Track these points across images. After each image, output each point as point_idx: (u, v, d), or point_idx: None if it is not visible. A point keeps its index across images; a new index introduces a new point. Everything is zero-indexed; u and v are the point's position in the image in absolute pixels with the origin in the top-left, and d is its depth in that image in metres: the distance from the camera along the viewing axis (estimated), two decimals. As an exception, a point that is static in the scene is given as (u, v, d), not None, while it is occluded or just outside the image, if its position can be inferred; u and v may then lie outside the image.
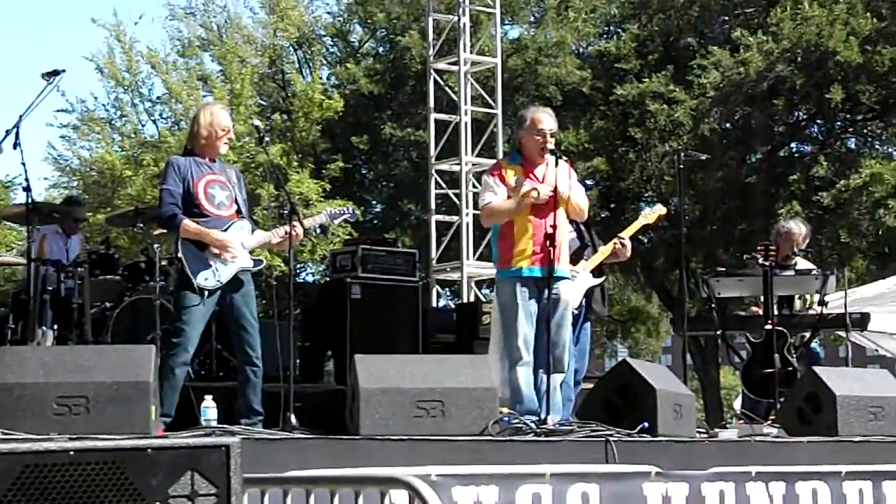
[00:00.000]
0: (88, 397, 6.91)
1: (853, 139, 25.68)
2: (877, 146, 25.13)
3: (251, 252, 8.89)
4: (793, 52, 22.62)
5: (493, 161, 17.48)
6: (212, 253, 8.64)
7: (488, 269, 17.35)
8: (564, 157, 9.10)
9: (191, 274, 8.58)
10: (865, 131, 25.29)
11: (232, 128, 9.05)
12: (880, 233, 22.92)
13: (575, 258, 9.46)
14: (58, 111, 28.18)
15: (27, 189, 9.62)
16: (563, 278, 8.94)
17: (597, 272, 9.86)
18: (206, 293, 8.60)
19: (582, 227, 9.79)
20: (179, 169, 8.75)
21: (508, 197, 8.93)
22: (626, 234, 10.13)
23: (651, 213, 10.66)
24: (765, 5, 24.22)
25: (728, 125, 24.16)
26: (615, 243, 9.99)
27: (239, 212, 8.91)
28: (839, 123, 25.09)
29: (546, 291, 8.66)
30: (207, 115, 8.95)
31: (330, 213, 9.71)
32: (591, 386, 9.76)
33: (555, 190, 8.73)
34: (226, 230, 8.75)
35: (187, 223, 8.63)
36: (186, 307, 8.58)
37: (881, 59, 22.16)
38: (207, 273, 8.61)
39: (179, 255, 8.65)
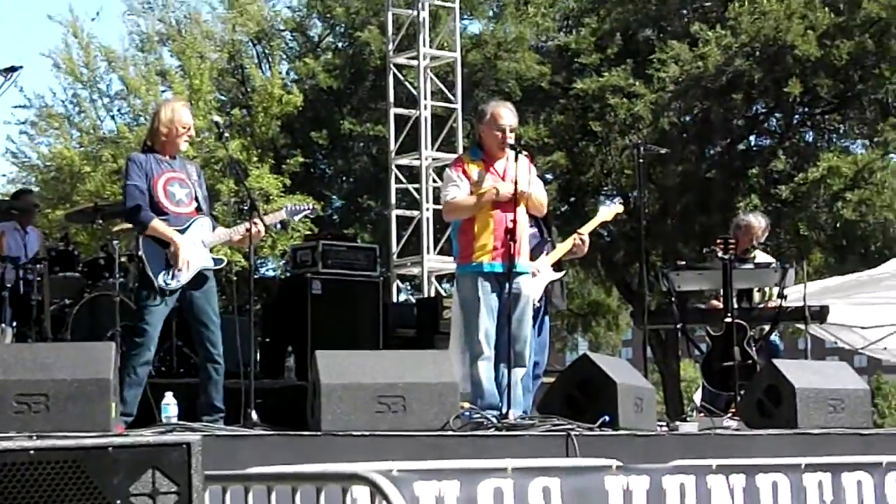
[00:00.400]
0: (48, 395, 6.87)
1: (811, 133, 25.80)
2: (834, 139, 25.26)
3: (211, 250, 8.87)
4: (751, 46, 22.72)
5: (454, 155, 17.58)
6: (171, 252, 8.60)
7: (449, 264, 17.34)
8: (524, 152, 9.11)
9: (151, 273, 8.56)
10: (823, 125, 25.40)
11: (192, 125, 9.02)
12: (838, 226, 23.07)
13: (535, 254, 9.47)
14: (15, 107, 28.07)
15: (-16, 186, 9.57)
16: (524, 273, 8.95)
17: (556, 267, 9.89)
18: (167, 293, 8.59)
19: (541, 223, 9.80)
20: (141, 165, 8.71)
21: (471, 192, 8.94)
22: (585, 230, 10.15)
23: (609, 210, 10.68)
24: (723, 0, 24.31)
25: (687, 119, 24.24)
26: (574, 239, 10.02)
27: (199, 209, 8.88)
28: (797, 117, 25.22)
29: (507, 286, 8.67)
30: (168, 111, 8.90)
31: (290, 210, 9.70)
32: (552, 380, 9.76)
33: (515, 185, 8.74)
34: (186, 228, 8.72)
35: (156, 222, 8.60)
36: (147, 306, 8.57)
37: (839, 53, 22.28)
38: (169, 272, 8.59)
39: (140, 253, 8.63)
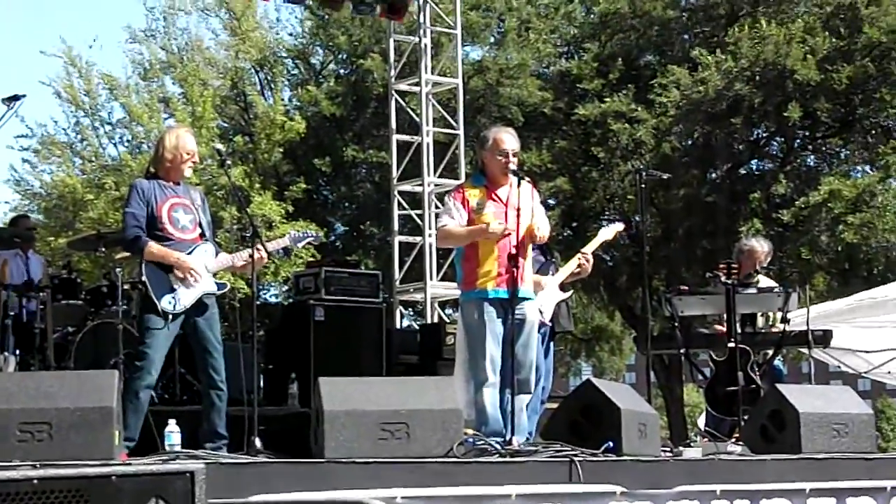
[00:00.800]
0: (51, 423, 6.85)
1: (812, 157, 25.82)
2: (835, 163, 25.27)
3: (215, 275, 8.87)
4: (751, 70, 22.76)
5: (456, 182, 17.60)
6: (176, 276, 8.62)
7: (452, 290, 17.33)
8: (527, 178, 9.12)
9: (154, 297, 8.56)
10: (824, 149, 25.43)
11: (196, 151, 9.03)
12: (840, 249, 23.05)
13: (540, 274, 9.54)
14: (18, 137, 28.14)
15: (-13, 214, 9.57)
16: (528, 299, 8.96)
17: (561, 288, 9.96)
18: (170, 317, 8.58)
19: (543, 246, 9.83)
20: (143, 192, 8.73)
21: (469, 221, 8.92)
22: (588, 249, 10.23)
23: (610, 230, 10.73)
24: (724, 24, 24.36)
25: (689, 143, 24.26)
26: (579, 259, 10.07)
27: (203, 235, 8.89)
28: (798, 141, 25.23)
29: (510, 312, 8.67)
30: (172, 138, 8.94)
31: (293, 237, 9.68)
32: (555, 406, 9.75)
33: (517, 210, 8.75)
34: (189, 254, 8.73)
35: (151, 245, 8.61)
36: (150, 330, 8.56)
37: (839, 78, 22.33)
38: (171, 297, 8.60)
39: (143, 278, 8.63)
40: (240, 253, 9.17)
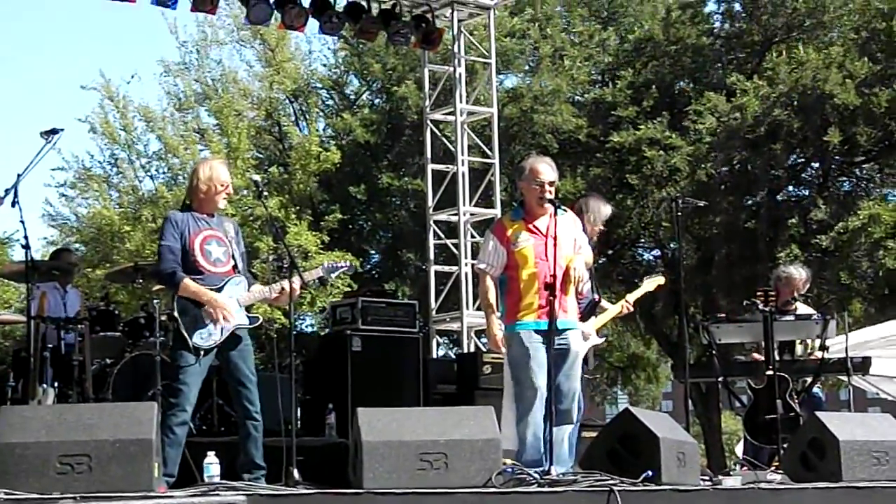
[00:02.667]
0: (91, 455, 6.86)
1: (849, 182, 25.70)
2: (872, 188, 25.15)
3: (248, 309, 8.91)
4: (789, 96, 22.71)
5: (491, 211, 17.63)
6: (208, 312, 8.68)
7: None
8: (564, 209, 9.15)
9: (186, 333, 8.64)
10: (862, 173, 25.33)
11: (230, 182, 9.08)
12: (880, 274, 22.91)
13: (586, 316, 9.58)
14: (54, 169, 28.32)
15: (26, 247, 9.61)
16: (572, 329, 8.98)
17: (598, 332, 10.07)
18: (202, 352, 8.66)
19: (592, 280, 9.89)
20: (177, 224, 8.79)
21: (509, 255, 8.98)
22: (632, 298, 10.43)
23: (652, 281, 10.78)
24: (759, 51, 24.33)
25: (725, 170, 24.19)
26: (623, 307, 10.24)
27: (235, 267, 8.94)
28: (836, 166, 25.12)
29: (552, 341, 8.69)
30: (206, 169, 8.98)
31: (327, 267, 9.69)
32: (593, 435, 9.73)
33: (555, 240, 8.76)
34: (221, 288, 8.79)
35: (187, 282, 8.68)
36: (182, 367, 8.63)
37: (878, 101, 22.24)
38: (203, 332, 8.68)
39: (175, 313, 8.69)
40: (273, 285, 9.18)
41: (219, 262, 8.86)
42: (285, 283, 8.97)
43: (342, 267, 9.88)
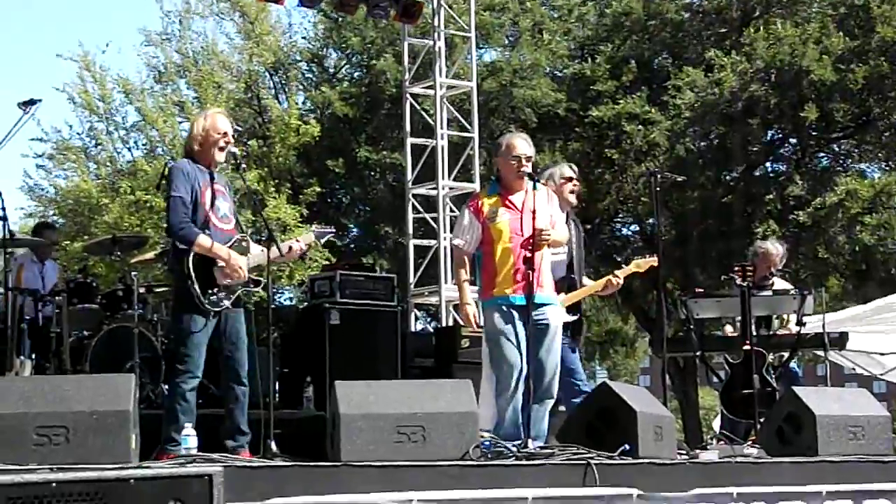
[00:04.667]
0: (68, 427, 6.85)
1: (826, 157, 25.76)
2: (850, 164, 25.22)
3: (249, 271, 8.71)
4: (766, 71, 22.73)
5: (470, 185, 17.63)
6: (224, 271, 8.46)
7: (466, 293, 17.33)
8: (542, 181, 9.15)
9: (199, 293, 8.35)
10: (839, 149, 25.38)
11: (230, 132, 8.74)
12: (857, 249, 22.98)
13: (558, 288, 9.50)
14: (32, 140, 28.20)
15: (3, 219, 9.58)
16: (550, 304, 8.98)
17: (576, 306, 9.94)
18: (211, 314, 8.43)
19: (575, 259, 9.88)
20: (188, 175, 8.46)
21: (484, 230, 8.96)
22: (622, 274, 10.24)
23: (644, 262, 10.65)
24: (738, 26, 24.33)
25: (703, 145, 24.22)
26: (610, 279, 10.11)
27: (238, 225, 8.79)
28: (813, 142, 25.17)
29: (531, 316, 8.69)
30: (204, 119, 8.72)
31: (317, 232, 9.70)
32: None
33: (532, 213, 8.76)
34: (230, 245, 8.58)
35: (202, 238, 8.39)
36: (192, 332, 8.36)
37: (854, 77, 22.26)
38: (215, 294, 8.44)
39: (187, 271, 8.36)
40: (271, 249, 8.70)
41: (226, 218, 8.61)
42: (284, 245, 8.84)
43: (328, 232, 9.92)
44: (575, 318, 9.86)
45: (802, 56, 22.28)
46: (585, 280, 10.28)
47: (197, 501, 4.70)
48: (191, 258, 8.38)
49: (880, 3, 22.57)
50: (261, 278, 8.85)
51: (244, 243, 8.71)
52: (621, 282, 10.31)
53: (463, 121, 18.59)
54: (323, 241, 9.87)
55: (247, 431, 8.55)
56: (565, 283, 9.83)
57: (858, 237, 22.59)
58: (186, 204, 8.39)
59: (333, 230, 10.04)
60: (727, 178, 25.23)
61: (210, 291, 8.41)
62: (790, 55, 22.42)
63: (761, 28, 23.19)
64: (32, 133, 27.62)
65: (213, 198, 8.52)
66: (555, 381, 8.97)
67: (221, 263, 8.44)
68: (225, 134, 8.64)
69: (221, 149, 8.64)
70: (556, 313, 9.05)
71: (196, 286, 8.33)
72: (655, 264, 10.62)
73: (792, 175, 24.30)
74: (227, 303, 8.49)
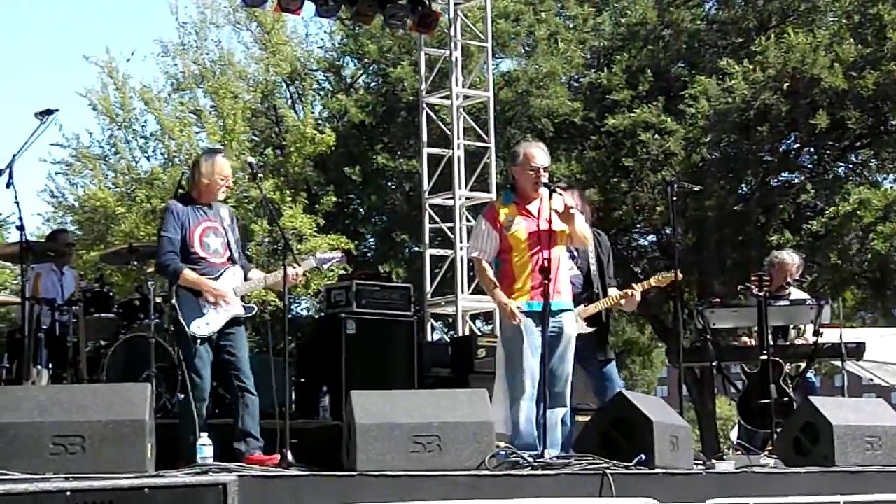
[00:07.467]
0: (84, 436, 6.87)
1: (840, 167, 25.67)
2: (865, 173, 25.13)
3: (242, 298, 9.07)
4: (778, 79, 22.68)
5: (487, 195, 17.61)
6: (206, 301, 8.87)
7: (483, 303, 17.33)
8: (563, 185, 9.15)
9: (184, 322, 8.80)
10: (852, 158, 25.30)
11: (231, 175, 9.23)
12: (871, 257, 22.89)
13: (576, 301, 9.44)
14: (52, 144, 28.20)
15: (21, 228, 9.59)
16: (566, 311, 8.96)
17: (597, 318, 9.86)
18: (199, 340, 8.81)
19: (594, 273, 9.84)
20: (178, 216, 8.97)
21: (502, 240, 8.94)
22: (640, 287, 10.15)
23: (666, 276, 10.53)
24: (753, 36, 24.28)
25: (718, 154, 24.16)
26: (629, 293, 10.01)
27: (231, 258, 9.12)
28: (829, 152, 25.10)
29: (546, 324, 8.67)
30: (209, 163, 9.12)
31: (319, 259, 9.70)
32: (587, 419, 9.73)
33: (549, 222, 8.76)
34: (218, 278, 8.97)
35: (186, 272, 8.87)
36: (191, 358, 8.82)
37: (866, 84, 22.19)
38: (201, 321, 8.85)
39: (174, 302, 8.86)
40: (268, 275, 9.38)
41: (216, 253, 9.04)
42: (281, 273, 9.03)
43: (334, 259, 9.87)
44: (593, 329, 9.80)
45: (813, 64, 22.22)
46: (612, 291, 10.14)
47: (212, 510, 4.69)
48: (175, 291, 8.92)
49: (891, 9, 22.50)
50: (252, 305, 9.27)
51: (235, 274, 9.08)
52: (638, 297, 10.19)
53: (479, 130, 18.58)
54: (326, 267, 9.88)
55: (258, 437, 8.76)
56: (584, 297, 9.76)
57: (872, 246, 22.49)
58: (174, 242, 8.92)
59: (339, 257, 9.94)
60: (742, 187, 25.15)
61: (196, 321, 8.83)
62: (801, 63, 22.36)
63: (772, 36, 23.15)
64: (52, 138, 27.64)
65: (203, 235, 9.02)
66: (567, 390, 8.95)
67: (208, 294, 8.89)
68: (227, 178, 9.16)
69: (223, 191, 9.20)
70: (572, 321, 9.03)
71: (181, 316, 8.83)
72: (676, 278, 10.53)
73: (805, 185, 24.23)
74: (211, 330, 8.86)
